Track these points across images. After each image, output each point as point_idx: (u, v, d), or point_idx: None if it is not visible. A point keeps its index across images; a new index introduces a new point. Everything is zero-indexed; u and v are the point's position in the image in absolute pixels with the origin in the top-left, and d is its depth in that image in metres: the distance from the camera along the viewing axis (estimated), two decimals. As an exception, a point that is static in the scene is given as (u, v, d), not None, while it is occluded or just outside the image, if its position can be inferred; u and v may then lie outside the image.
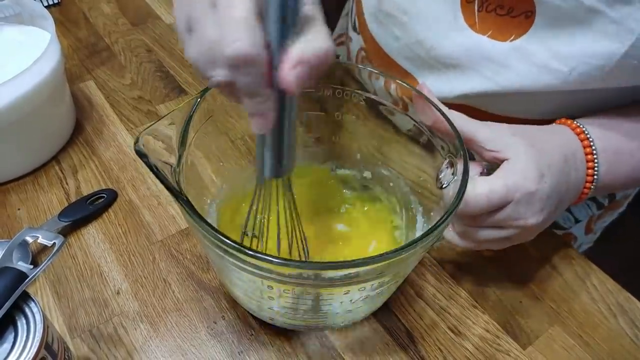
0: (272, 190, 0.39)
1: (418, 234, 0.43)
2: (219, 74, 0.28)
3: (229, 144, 0.48)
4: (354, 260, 0.30)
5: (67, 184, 0.54)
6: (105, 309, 0.44)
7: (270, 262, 0.29)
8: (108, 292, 0.45)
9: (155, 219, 0.51)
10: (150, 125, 0.35)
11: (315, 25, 0.28)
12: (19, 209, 0.51)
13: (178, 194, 0.32)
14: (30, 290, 0.45)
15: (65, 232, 0.49)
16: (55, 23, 0.54)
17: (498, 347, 0.44)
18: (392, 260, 0.31)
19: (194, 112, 0.37)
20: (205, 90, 0.39)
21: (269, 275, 0.31)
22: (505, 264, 0.50)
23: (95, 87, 0.65)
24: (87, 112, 0.62)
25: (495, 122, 0.50)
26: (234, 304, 0.45)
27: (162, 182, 0.32)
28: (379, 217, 0.48)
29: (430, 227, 0.42)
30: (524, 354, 0.44)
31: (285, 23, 0.27)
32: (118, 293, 0.45)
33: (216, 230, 0.30)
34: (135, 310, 0.44)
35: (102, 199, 0.52)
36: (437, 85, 0.51)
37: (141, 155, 0.33)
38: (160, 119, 0.36)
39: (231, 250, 0.30)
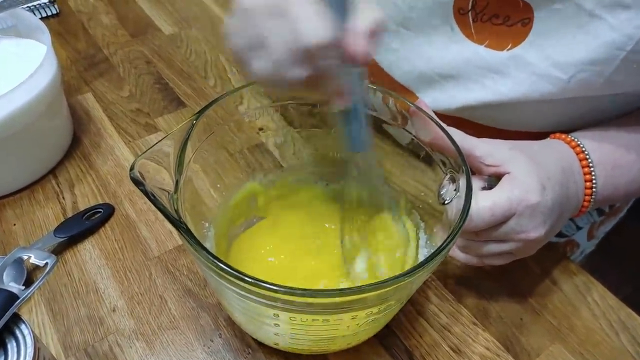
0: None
1: (421, 251, 0.43)
2: (301, 70, 0.32)
3: (228, 158, 0.48)
4: (360, 287, 0.29)
5: (63, 198, 0.53)
6: (100, 326, 0.44)
7: (275, 291, 0.28)
8: (104, 309, 0.45)
9: (152, 234, 0.51)
10: (147, 150, 0.35)
11: (361, 1, 0.33)
12: (14, 225, 0.51)
13: (177, 223, 0.32)
14: (25, 308, 0.45)
15: (61, 248, 0.49)
16: (53, 34, 0.54)
17: (499, 365, 0.44)
18: (398, 285, 0.30)
19: (189, 135, 0.37)
20: (201, 111, 0.39)
21: (273, 303, 0.30)
22: (506, 279, 0.49)
23: (93, 99, 0.65)
24: (85, 124, 0.62)
25: (494, 137, 0.50)
26: (230, 321, 0.44)
27: (160, 210, 0.32)
28: (381, 233, 0.47)
29: (432, 244, 0.42)
30: (525, 372, 0.43)
31: (345, 7, 0.32)
32: (114, 310, 0.45)
33: (218, 260, 0.30)
34: (131, 328, 0.44)
35: (99, 214, 0.51)
36: (436, 99, 0.51)
37: (137, 183, 0.33)
38: (156, 143, 0.36)
39: (233, 279, 0.29)
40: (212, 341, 0.43)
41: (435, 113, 0.51)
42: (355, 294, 0.29)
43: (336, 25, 0.31)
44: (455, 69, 0.48)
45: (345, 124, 0.37)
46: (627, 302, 0.52)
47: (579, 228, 0.64)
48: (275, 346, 0.41)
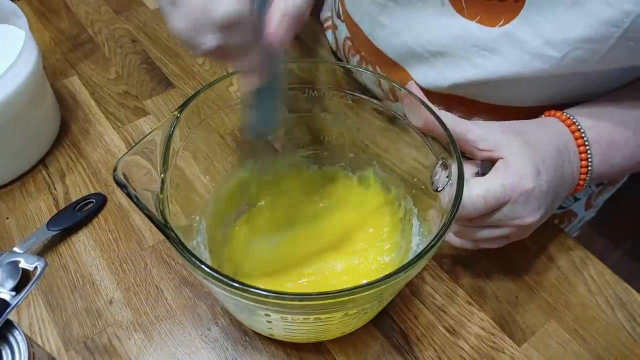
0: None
1: (414, 239, 0.42)
2: (210, 39, 0.31)
3: (219, 141, 0.47)
4: (352, 288, 0.29)
5: (55, 189, 0.53)
6: (98, 319, 0.44)
7: (265, 296, 0.28)
8: (101, 301, 0.45)
9: (146, 223, 0.51)
10: (132, 148, 0.34)
11: None
12: (7, 218, 0.50)
13: (162, 228, 0.31)
14: (23, 303, 0.45)
15: (55, 241, 0.49)
16: (35, 14, 0.52)
17: (493, 344, 0.44)
18: (390, 283, 0.30)
19: (173, 131, 0.36)
20: (186, 103, 0.38)
21: (264, 306, 0.30)
22: (501, 258, 0.49)
23: (79, 82, 0.63)
24: (73, 110, 0.60)
25: (488, 111, 0.49)
26: (227, 310, 0.45)
27: (146, 215, 0.31)
28: (376, 218, 0.47)
29: (425, 232, 0.41)
30: (519, 351, 0.44)
31: None
32: (111, 302, 0.45)
33: (210, 268, 0.29)
34: (129, 319, 0.44)
35: (91, 204, 0.51)
36: (427, 76, 0.49)
37: (120, 185, 0.32)
38: (141, 140, 0.35)
39: (220, 284, 0.29)
40: (210, 330, 0.44)
41: (427, 91, 0.49)
42: (347, 295, 0.29)
43: (254, 2, 0.30)
44: (445, 45, 0.46)
45: (248, 106, 0.36)
46: (628, 257, 0.51)
47: (576, 199, 0.63)
48: (270, 336, 0.41)
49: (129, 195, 0.32)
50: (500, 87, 0.46)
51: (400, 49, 0.50)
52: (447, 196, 0.37)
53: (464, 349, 0.44)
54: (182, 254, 0.30)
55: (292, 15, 0.31)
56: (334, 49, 0.66)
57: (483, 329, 0.45)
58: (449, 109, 0.50)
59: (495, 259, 0.49)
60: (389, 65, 0.52)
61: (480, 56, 0.44)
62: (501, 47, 0.42)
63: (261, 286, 0.28)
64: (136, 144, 0.35)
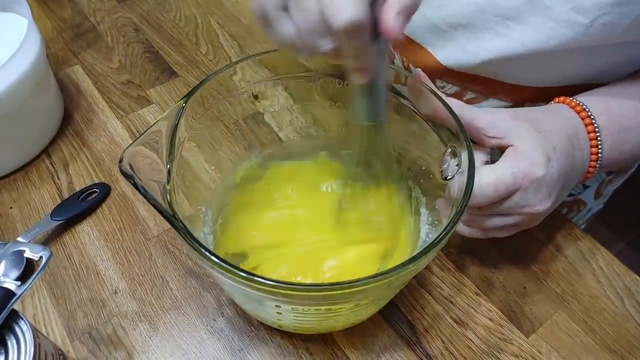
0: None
1: (423, 228, 0.42)
2: (327, 43, 0.31)
3: (224, 130, 0.47)
4: (362, 279, 0.28)
5: (58, 178, 0.52)
6: (103, 309, 0.44)
7: (276, 287, 0.28)
8: (105, 292, 0.45)
9: (150, 212, 0.50)
10: (137, 139, 0.34)
11: None
12: (11, 208, 0.50)
13: (171, 219, 0.30)
14: (27, 293, 0.44)
15: (59, 231, 0.48)
16: (37, 2, 0.51)
17: (501, 335, 0.44)
18: (401, 273, 0.29)
19: (178, 121, 0.35)
20: (192, 92, 0.37)
21: (273, 297, 0.30)
22: (509, 247, 0.48)
23: (82, 72, 0.63)
24: (76, 99, 0.60)
25: (504, 92, 0.48)
26: (233, 300, 0.44)
27: (153, 206, 0.31)
28: (384, 207, 0.46)
29: (435, 221, 0.41)
30: (528, 342, 0.43)
31: None
32: (115, 292, 0.45)
33: (219, 258, 0.29)
34: (134, 309, 0.44)
35: (95, 194, 0.50)
36: (451, 54, 0.48)
37: (127, 176, 0.31)
38: (146, 130, 0.34)
39: (236, 278, 0.29)
40: (215, 320, 0.44)
41: (445, 70, 0.48)
42: (357, 286, 0.28)
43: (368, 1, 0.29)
44: (466, 16, 0.45)
45: (363, 96, 0.36)
46: (632, 247, 0.51)
47: (585, 187, 0.63)
48: (279, 328, 0.41)
49: (135, 186, 0.31)
50: (521, 64, 0.45)
51: (418, 23, 0.49)
52: (457, 185, 0.36)
53: (471, 340, 0.43)
54: (190, 245, 0.29)
55: (408, 7, 0.30)
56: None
57: (491, 319, 0.44)
58: (463, 88, 0.49)
59: (503, 249, 0.48)
60: (407, 45, 0.51)
61: (504, 26, 0.43)
62: (526, 16, 0.41)
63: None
64: (141, 134, 0.34)
